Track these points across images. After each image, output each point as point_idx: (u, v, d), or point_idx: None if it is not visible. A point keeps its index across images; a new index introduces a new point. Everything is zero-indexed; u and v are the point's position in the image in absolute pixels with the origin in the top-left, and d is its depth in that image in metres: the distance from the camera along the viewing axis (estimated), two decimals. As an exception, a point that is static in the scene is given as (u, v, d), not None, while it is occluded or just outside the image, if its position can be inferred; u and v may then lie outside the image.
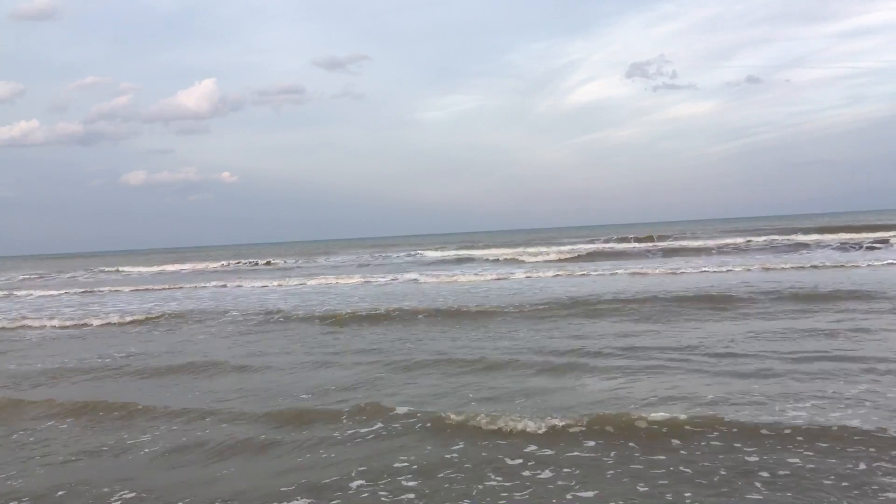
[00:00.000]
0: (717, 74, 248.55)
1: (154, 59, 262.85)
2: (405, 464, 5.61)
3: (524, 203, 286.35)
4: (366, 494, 5.05)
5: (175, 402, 8.04)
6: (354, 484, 5.24)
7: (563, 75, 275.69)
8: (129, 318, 17.09)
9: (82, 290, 30.27)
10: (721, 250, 33.16)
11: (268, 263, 48.60)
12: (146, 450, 6.43)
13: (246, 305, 18.97)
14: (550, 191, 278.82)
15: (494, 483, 5.12)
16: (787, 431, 5.73)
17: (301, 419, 6.98)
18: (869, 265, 21.43)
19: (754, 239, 36.79)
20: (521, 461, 5.51)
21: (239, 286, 27.53)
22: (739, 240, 37.36)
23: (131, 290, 28.39)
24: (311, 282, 27.41)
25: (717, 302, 14.41)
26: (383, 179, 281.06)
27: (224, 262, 50.83)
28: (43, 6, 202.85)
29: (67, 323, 17.05)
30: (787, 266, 22.24)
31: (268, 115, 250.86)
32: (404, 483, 5.22)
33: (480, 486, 5.06)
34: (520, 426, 6.22)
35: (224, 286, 28.07)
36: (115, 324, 16.59)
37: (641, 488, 4.86)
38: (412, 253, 48.92)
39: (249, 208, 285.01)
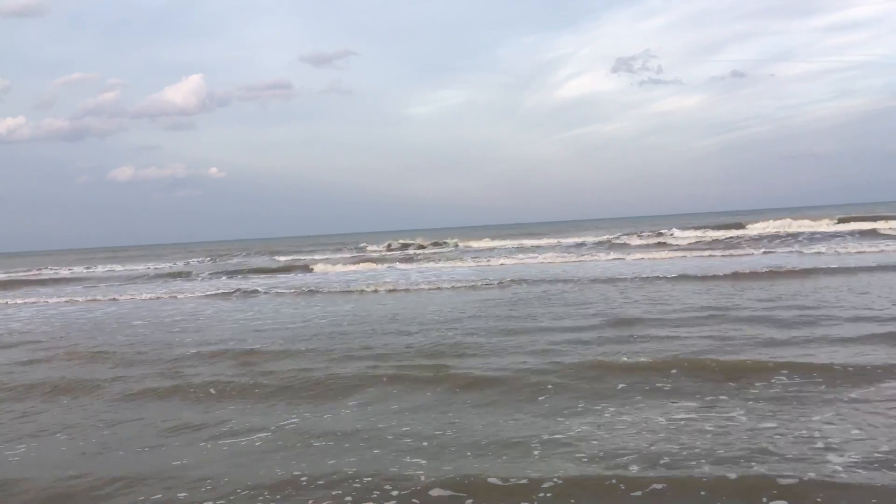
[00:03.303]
0: (703, 69, 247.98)
1: (141, 55, 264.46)
2: None
3: (514, 198, 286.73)
4: None
5: None
6: None
7: (552, 70, 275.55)
8: None
9: None
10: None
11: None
12: None
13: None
14: (540, 185, 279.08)
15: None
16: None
17: None
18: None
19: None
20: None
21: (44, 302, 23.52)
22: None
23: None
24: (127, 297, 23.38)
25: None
26: (372, 175, 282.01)
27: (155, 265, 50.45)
28: (28, 2, 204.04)
29: None
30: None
31: (255, 110, 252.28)
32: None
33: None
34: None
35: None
36: None
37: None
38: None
39: (238, 204, 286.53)
